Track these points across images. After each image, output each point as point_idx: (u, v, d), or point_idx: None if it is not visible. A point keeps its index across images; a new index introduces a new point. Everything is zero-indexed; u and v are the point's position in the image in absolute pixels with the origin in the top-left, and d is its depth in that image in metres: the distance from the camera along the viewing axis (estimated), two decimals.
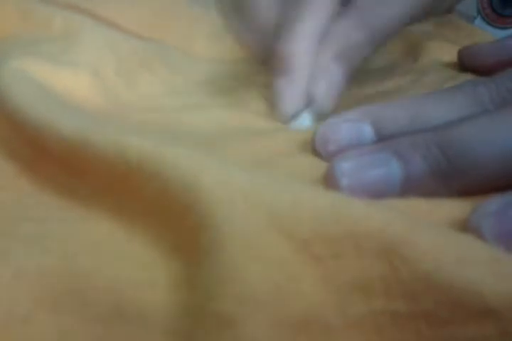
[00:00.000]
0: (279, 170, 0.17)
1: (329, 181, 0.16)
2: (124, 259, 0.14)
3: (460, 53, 0.34)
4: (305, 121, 0.23)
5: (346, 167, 0.15)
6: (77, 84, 0.22)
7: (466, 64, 0.33)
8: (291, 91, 0.22)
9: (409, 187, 0.15)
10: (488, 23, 0.52)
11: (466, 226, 0.13)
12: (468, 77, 0.31)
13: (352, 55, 0.23)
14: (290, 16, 0.22)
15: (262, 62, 0.25)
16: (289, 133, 0.21)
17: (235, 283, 0.11)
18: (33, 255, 0.13)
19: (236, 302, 0.11)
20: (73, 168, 0.17)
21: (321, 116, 0.23)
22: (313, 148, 0.19)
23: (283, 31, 0.22)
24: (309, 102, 0.23)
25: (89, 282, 0.13)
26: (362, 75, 0.31)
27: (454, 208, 0.15)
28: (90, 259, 0.14)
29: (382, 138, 0.17)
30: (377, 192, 0.15)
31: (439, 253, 0.11)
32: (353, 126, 0.18)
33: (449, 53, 0.36)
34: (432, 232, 0.12)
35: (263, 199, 0.13)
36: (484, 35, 0.42)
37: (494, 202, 0.13)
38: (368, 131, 0.17)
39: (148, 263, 0.14)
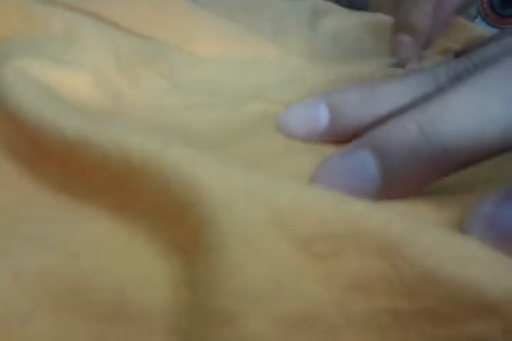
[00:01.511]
0: (279, 169, 0.17)
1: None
2: (125, 259, 0.14)
3: (456, 54, 0.34)
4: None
5: (323, 175, 0.16)
6: (79, 83, 0.22)
7: None
8: (413, 43, 0.32)
9: (391, 184, 0.15)
10: (488, 23, 0.52)
11: (461, 230, 0.13)
12: None
13: None
14: None
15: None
16: None
17: (235, 280, 0.11)
18: (33, 255, 0.13)
19: (236, 299, 0.11)
20: (74, 167, 0.17)
21: None
22: (313, 146, 0.19)
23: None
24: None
25: (89, 281, 0.13)
26: (361, 73, 0.31)
27: (453, 210, 0.15)
28: (91, 259, 0.14)
29: (337, 117, 0.19)
30: (353, 189, 0.15)
31: (440, 252, 0.11)
32: (310, 108, 0.20)
33: (448, 51, 0.36)
34: (432, 231, 0.12)
35: (264, 198, 0.12)
36: (484, 33, 0.42)
37: (485, 204, 0.13)
38: (323, 111, 0.19)
39: (148, 263, 0.14)
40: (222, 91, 0.27)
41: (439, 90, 0.17)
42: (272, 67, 0.32)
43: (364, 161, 0.15)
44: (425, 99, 0.16)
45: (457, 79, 0.17)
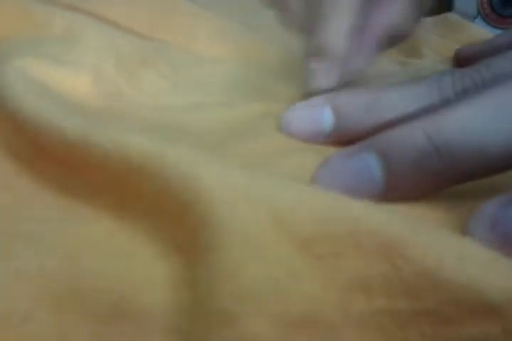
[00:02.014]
0: (279, 169, 0.17)
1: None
2: (125, 259, 0.14)
3: (456, 54, 0.34)
4: None
5: (324, 175, 0.16)
6: (79, 83, 0.22)
7: (463, 65, 0.33)
8: (327, 71, 0.24)
9: (393, 187, 0.15)
10: (488, 23, 0.52)
11: (463, 232, 0.13)
12: None
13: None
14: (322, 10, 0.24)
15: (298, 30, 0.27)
16: None
17: (235, 281, 0.11)
18: (33, 255, 0.13)
19: (236, 300, 0.11)
20: (74, 167, 0.17)
21: None
22: (313, 146, 0.19)
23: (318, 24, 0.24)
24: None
25: (89, 281, 0.13)
26: (364, 73, 0.31)
27: (449, 212, 0.15)
28: (90, 259, 0.14)
29: (341, 119, 0.19)
30: (355, 189, 0.15)
31: (440, 252, 0.11)
32: (314, 110, 0.20)
33: (448, 50, 0.36)
34: (431, 231, 0.12)
35: (264, 198, 0.13)
36: (483, 33, 0.42)
37: (488, 206, 0.13)
38: (327, 113, 0.19)
39: (148, 263, 0.14)
40: (223, 91, 0.27)
41: (445, 101, 0.17)
42: (272, 67, 0.32)
43: (368, 163, 0.15)
44: (432, 109, 0.16)
45: (464, 93, 0.17)
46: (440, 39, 0.39)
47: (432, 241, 0.11)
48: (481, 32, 0.43)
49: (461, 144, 0.14)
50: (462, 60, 0.34)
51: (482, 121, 0.14)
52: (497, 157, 0.14)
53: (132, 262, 0.14)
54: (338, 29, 0.23)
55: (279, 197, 0.13)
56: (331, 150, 0.18)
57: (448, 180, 0.15)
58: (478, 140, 0.14)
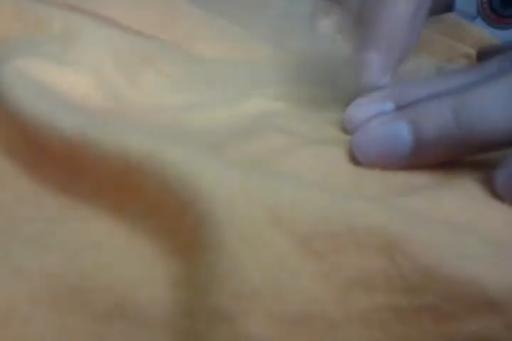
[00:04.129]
0: (279, 168, 0.17)
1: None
2: (124, 258, 0.14)
3: (478, 52, 0.35)
4: None
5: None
6: (78, 83, 0.22)
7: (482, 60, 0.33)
8: (383, 65, 0.22)
9: (420, 151, 0.16)
10: (488, 24, 0.52)
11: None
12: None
13: None
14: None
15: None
16: (288, 131, 0.21)
17: (234, 279, 0.11)
18: (33, 255, 0.13)
19: (235, 298, 0.11)
20: (74, 167, 0.17)
21: None
22: (313, 145, 0.19)
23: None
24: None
25: (89, 281, 0.13)
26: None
27: (453, 207, 0.15)
28: (90, 259, 0.14)
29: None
30: (387, 153, 0.17)
31: (440, 248, 0.11)
32: (376, 105, 0.19)
33: (448, 50, 0.36)
34: (432, 228, 0.12)
35: (263, 197, 0.13)
36: (483, 33, 0.42)
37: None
38: (390, 108, 0.19)
39: (148, 262, 0.14)
40: (222, 91, 0.27)
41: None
42: (271, 67, 0.32)
43: (400, 129, 0.17)
44: (463, 88, 0.17)
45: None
46: (440, 39, 0.39)
47: (432, 237, 0.11)
48: (481, 32, 0.43)
49: (478, 120, 0.16)
50: (483, 56, 0.35)
51: (498, 102, 0.16)
52: (506, 132, 0.16)
53: (132, 261, 0.14)
54: (399, 16, 0.21)
55: (278, 196, 0.13)
56: (331, 149, 0.18)
57: (466, 150, 0.16)
58: (492, 117, 0.16)
